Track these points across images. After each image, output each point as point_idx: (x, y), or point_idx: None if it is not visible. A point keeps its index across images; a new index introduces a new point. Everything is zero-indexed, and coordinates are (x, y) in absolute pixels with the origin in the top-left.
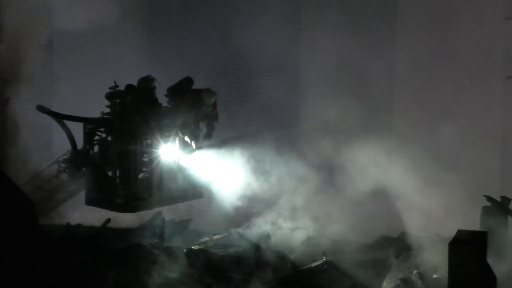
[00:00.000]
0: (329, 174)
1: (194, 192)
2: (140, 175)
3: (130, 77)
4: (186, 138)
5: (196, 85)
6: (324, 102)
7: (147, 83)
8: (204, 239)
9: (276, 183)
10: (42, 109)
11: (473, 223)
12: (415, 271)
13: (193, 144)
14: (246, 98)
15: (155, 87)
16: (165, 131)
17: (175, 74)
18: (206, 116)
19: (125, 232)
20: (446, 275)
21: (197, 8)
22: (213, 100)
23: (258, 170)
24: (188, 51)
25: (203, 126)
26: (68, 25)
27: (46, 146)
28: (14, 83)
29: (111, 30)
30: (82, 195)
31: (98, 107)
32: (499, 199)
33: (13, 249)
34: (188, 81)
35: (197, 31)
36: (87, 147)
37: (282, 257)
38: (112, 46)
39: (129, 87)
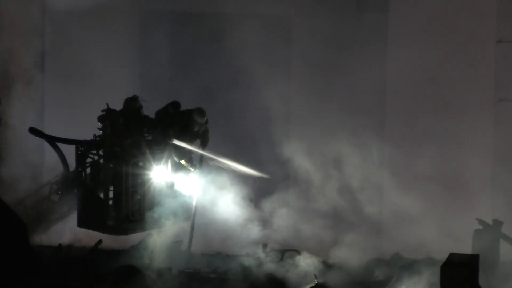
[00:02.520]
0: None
1: (186, 214)
2: (132, 198)
3: (123, 99)
4: (182, 161)
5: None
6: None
7: (134, 103)
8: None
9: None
10: (34, 131)
11: (465, 246)
12: None
13: (189, 167)
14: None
15: (142, 106)
16: (157, 154)
17: (167, 96)
18: (199, 135)
19: (117, 254)
20: None
21: (189, 31)
22: (204, 119)
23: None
24: (181, 73)
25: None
26: (60, 45)
27: (38, 168)
28: (5, 103)
29: (104, 52)
30: (74, 217)
31: (90, 130)
32: (491, 222)
33: (4, 271)
34: (174, 106)
35: (190, 53)
36: (79, 169)
37: (273, 280)
38: (104, 68)
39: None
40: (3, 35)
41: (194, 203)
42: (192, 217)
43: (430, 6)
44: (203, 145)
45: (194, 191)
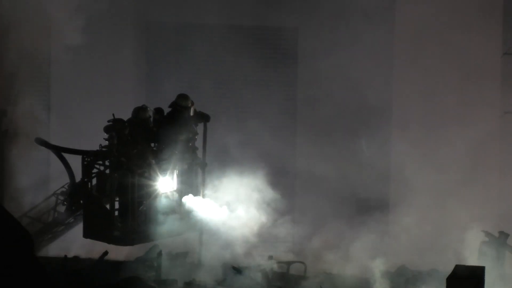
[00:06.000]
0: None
1: (192, 225)
2: (138, 208)
3: (128, 109)
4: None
5: None
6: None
7: (142, 113)
8: None
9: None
10: (40, 141)
11: (471, 258)
12: None
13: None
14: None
15: (150, 117)
16: (163, 164)
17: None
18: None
19: (122, 265)
20: None
21: (195, 41)
22: (189, 101)
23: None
24: (186, 83)
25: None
26: (66, 57)
27: (44, 179)
28: (12, 115)
29: (109, 62)
30: (80, 227)
31: (96, 140)
32: (497, 234)
33: (10, 282)
34: (158, 112)
35: (195, 64)
36: (85, 179)
37: None
38: (110, 79)
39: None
40: (10, 46)
41: (201, 214)
42: (201, 228)
43: (436, 20)
44: (206, 120)
45: (201, 201)
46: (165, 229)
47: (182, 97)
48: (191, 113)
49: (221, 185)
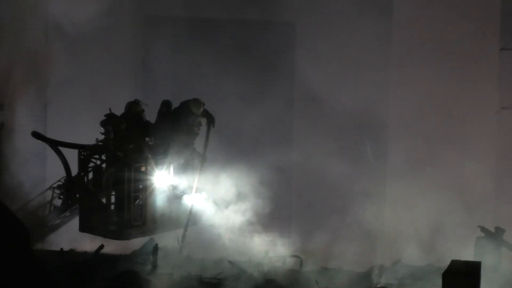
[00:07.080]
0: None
1: (188, 219)
2: (134, 202)
3: (124, 104)
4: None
5: None
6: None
7: (135, 107)
8: None
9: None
10: (37, 135)
11: (467, 253)
12: None
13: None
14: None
15: (143, 110)
16: (159, 158)
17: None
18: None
19: (118, 259)
20: None
21: (193, 35)
22: (201, 109)
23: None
24: (182, 80)
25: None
26: (63, 52)
27: (40, 172)
28: (8, 108)
29: (107, 57)
30: (76, 221)
31: (93, 134)
32: (493, 230)
33: (6, 275)
34: (166, 104)
35: (193, 59)
36: (82, 173)
37: (275, 286)
38: (107, 73)
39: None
40: (7, 40)
41: (191, 205)
42: (188, 216)
43: (434, 15)
44: (211, 122)
45: (194, 194)
46: (161, 223)
47: (196, 103)
48: (200, 118)
49: (218, 180)
